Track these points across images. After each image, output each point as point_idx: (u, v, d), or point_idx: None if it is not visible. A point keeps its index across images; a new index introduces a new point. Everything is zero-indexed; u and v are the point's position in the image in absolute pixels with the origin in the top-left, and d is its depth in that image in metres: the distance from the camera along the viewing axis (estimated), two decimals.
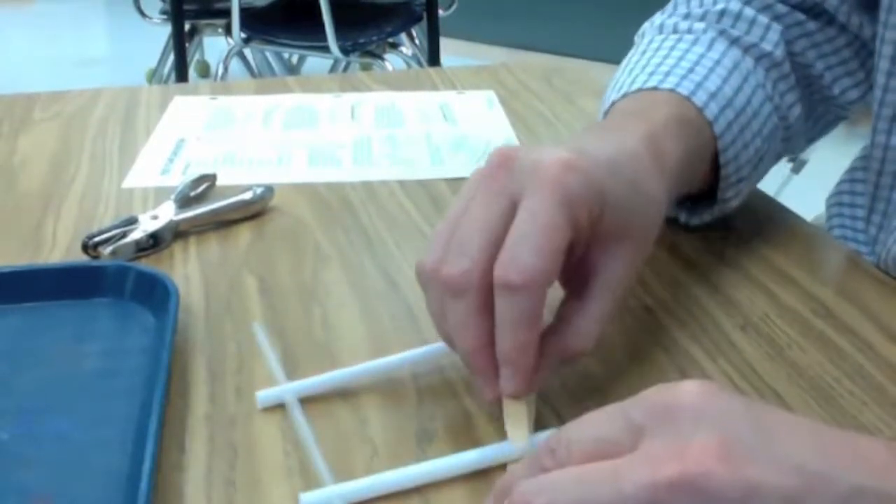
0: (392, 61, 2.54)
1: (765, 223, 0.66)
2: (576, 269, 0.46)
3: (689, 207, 0.63)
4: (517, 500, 0.33)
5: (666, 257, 0.61)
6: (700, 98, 0.57)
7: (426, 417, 0.46)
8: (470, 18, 3.31)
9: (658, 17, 0.68)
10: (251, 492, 0.42)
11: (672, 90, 0.57)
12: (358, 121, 0.86)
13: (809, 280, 0.58)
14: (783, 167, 2.33)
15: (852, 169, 0.73)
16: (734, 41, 0.63)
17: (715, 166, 0.59)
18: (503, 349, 0.42)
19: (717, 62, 0.60)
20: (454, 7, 2.90)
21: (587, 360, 0.50)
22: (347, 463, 0.43)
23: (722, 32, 0.63)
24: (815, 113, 0.69)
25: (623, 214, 0.46)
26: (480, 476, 0.42)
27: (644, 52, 0.63)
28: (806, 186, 1.93)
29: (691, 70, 0.59)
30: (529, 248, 0.41)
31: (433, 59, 2.51)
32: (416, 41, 2.77)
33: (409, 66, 2.65)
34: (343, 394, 0.48)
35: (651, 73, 0.59)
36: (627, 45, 0.69)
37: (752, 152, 0.60)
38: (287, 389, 0.47)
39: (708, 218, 0.63)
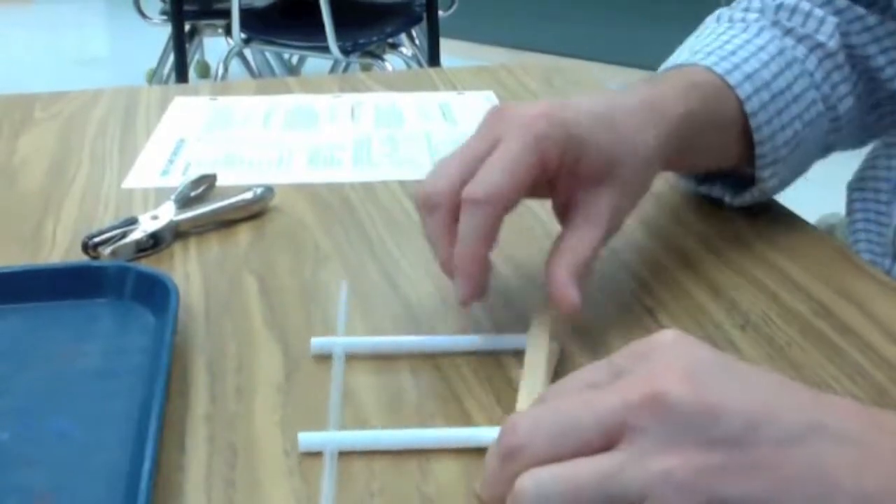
0: (392, 62, 2.54)
1: (765, 223, 0.66)
2: (567, 207, 0.52)
3: (731, 188, 0.66)
4: (505, 429, 0.37)
5: (666, 257, 0.61)
6: (734, 77, 0.60)
7: (426, 417, 0.46)
8: (470, 19, 3.31)
9: (721, 10, 0.70)
10: (251, 492, 0.42)
11: (708, 67, 0.61)
12: (358, 121, 0.86)
13: (809, 280, 0.58)
14: None
15: (875, 157, 0.73)
16: (788, 31, 0.65)
17: (751, 146, 0.62)
18: (458, 258, 0.48)
19: (761, 48, 0.63)
20: (454, 7, 2.90)
21: (587, 360, 0.50)
22: (347, 462, 0.43)
23: (776, 23, 0.66)
24: (879, 109, 0.69)
25: (603, 159, 0.51)
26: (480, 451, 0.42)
27: (697, 37, 0.66)
28: (806, 186, 1.93)
29: (732, 53, 0.62)
30: (493, 172, 0.48)
31: (433, 59, 2.51)
32: (416, 41, 2.77)
33: (409, 66, 2.65)
34: (343, 392, 0.48)
35: (695, 53, 0.63)
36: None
37: (789, 134, 0.62)
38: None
39: (749, 199, 0.65)
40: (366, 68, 2.60)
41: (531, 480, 0.34)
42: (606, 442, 0.34)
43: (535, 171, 0.49)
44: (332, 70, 2.85)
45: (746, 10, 0.68)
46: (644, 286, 0.58)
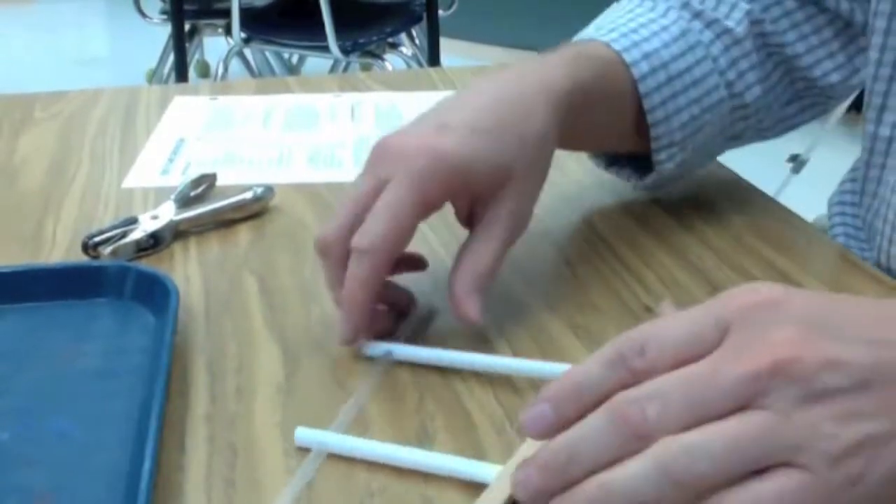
0: (392, 61, 2.54)
1: (764, 223, 0.66)
2: (467, 217, 0.54)
3: (638, 173, 0.66)
4: (629, 411, 0.35)
5: (666, 257, 0.61)
6: (632, 55, 0.60)
7: (426, 417, 0.46)
8: (470, 18, 3.31)
9: None
10: (251, 492, 0.42)
11: (606, 43, 0.60)
12: (358, 121, 0.86)
13: (809, 280, 0.58)
14: (783, 167, 2.33)
15: (854, 169, 0.73)
16: (697, 14, 0.64)
17: (646, 129, 0.61)
18: (344, 299, 0.50)
19: (665, 28, 0.62)
20: (454, 7, 2.90)
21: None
22: (348, 462, 0.43)
23: (685, 5, 0.64)
24: (799, 100, 0.68)
25: (491, 172, 0.52)
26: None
27: (605, 15, 0.65)
28: (806, 186, 1.93)
29: (634, 31, 0.61)
30: (375, 221, 0.49)
31: (433, 59, 2.51)
32: (416, 41, 2.76)
33: (409, 66, 2.65)
34: (343, 392, 0.48)
35: (597, 28, 0.62)
36: None
37: (685, 118, 0.62)
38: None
39: (650, 183, 0.65)
40: (366, 68, 2.60)
41: (678, 445, 0.34)
42: (735, 409, 0.35)
43: (419, 212, 0.50)
44: (332, 70, 2.85)
45: None
46: (644, 285, 0.58)
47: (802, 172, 2.33)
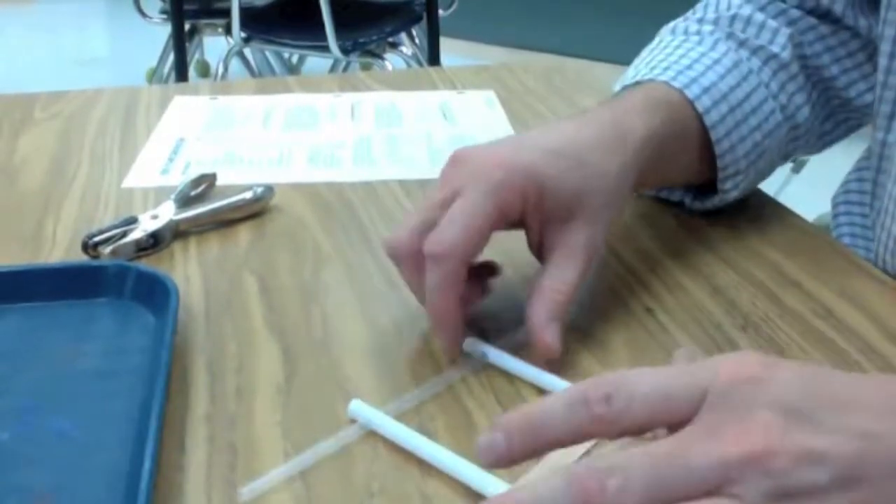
0: (392, 61, 2.54)
1: (765, 223, 0.66)
2: (541, 244, 0.53)
3: (694, 194, 0.66)
4: (588, 482, 0.33)
5: (666, 258, 0.61)
6: (692, 91, 0.61)
7: (426, 417, 0.46)
8: (470, 18, 3.31)
9: (676, 22, 0.70)
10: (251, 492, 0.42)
11: (666, 83, 0.61)
12: (358, 121, 0.86)
13: (810, 280, 0.58)
14: (783, 167, 2.33)
15: (859, 169, 0.73)
16: (742, 43, 0.66)
17: (712, 159, 0.62)
18: (430, 313, 0.49)
19: (717, 61, 0.63)
20: (454, 7, 2.90)
21: (587, 360, 0.51)
22: (348, 462, 0.43)
23: (730, 35, 0.66)
24: (834, 118, 0.70)
25: (569, 195, 0.51)
26: None
27: (651, 51, 0.67)
28: (806, 186, 1.93)
29: (689, 67, 0.62)
30: (451, 226, 0.49)
31: (433, 58, 2.51)
32: (416, 41, 2.76)
33: (409, 65, 2.65)
34: (343, 392, 0.48)
35: (652, 68, 0.63)
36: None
37: (749, 146, 0.63)
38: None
39: (710, 205, 0.65)
40: (366, 67, 2.60)
41: None
42: (702, 494, 0.32)
43: (494, 220, 0.49)
44: (332, 69, 2.85)
45: (701, 21, 0.68)
46: (644, 286, 0.58)
47: (802, 172, 2.33)
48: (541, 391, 0.48)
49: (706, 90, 0.61)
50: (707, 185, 0.65)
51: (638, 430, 0.35)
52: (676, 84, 0.61)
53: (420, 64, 2.63)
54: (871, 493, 0.32)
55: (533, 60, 2.86)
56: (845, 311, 0.55)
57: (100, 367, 0.50)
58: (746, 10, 0.67)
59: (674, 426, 0.34)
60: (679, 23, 0.69)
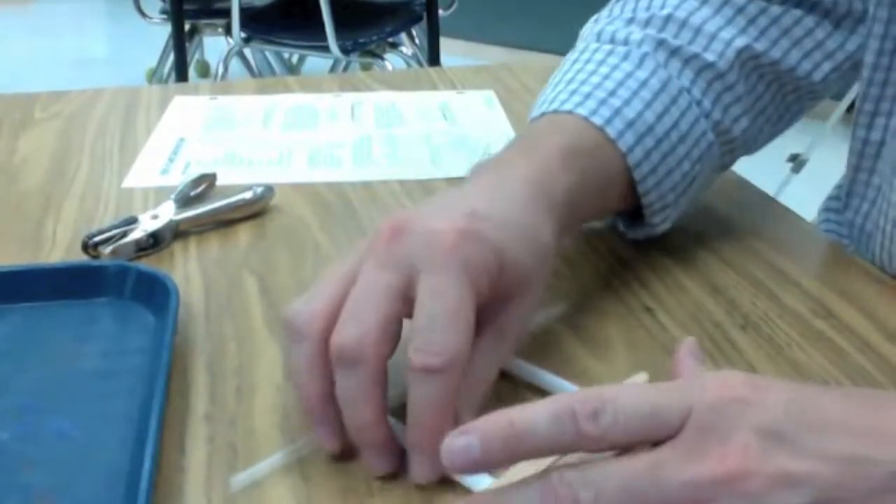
0: (392, 61, 2.54)
1: (765, 223, 0.66)
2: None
3: (626, 221, 0.62)
4: (561, 492, 0.33)
5: (666, 258, 0.61)
6: (615, 127, 0.56)
7: None
8: (470, 18, 3.31)
9: (602, 19, 0.65)
10: (251, 492, 0.42)
11: (586, 118, 0.56)
12: (358, 121, 0.86)
13: (809, 280, 0.58)
14: (783, 167, 2.33)
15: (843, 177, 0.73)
16: (673, 52, 0.60)
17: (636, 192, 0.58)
18: (418, 436, 0.41)
19: (643, 83, 0.58)
20: (454, 7, 2.90)
21: (588, 361, 0.51)
22: (348, 461, 0.43)
23: (660, 43, 0.60)
24: (791, 107, 0.66)
25: (519, 270, 0.45)
26: None
27: (574, 63, 0.61)
28: (806, 186, 1.93)
29: (612, 93, 0.57)
30: (443, 329, 0.40)
31: (433, 58, 2.51)
32: (416, 41, 2.77)
33: (409, 65, 2.65)
34: None
35: (572, 92, 0.58)
36: None
37: (677, 178, 0.58)
38: None
39: (641, 236, 0.61)
40: (366, 67, 2.60)
41: None
42: None
43: (475, 306, 0.42)
44: (332, 69, 2.85)
45: (630, 21, 0.62)
46: (644, 286, 0.58)
47: (802, 172, 2.33)
48: (542, 392, 0.48)
49: (630, 124, 0.56)
50: (637, 212, 0.60)
51: (622, 447, 0.35)
52: (598, 121, 0.55)
53: (420, 64, 2.63)
54: None
55: (533, 60, 2.86)
56: (845, 311, 0.55)
57: (100, 367, 0.50)
58: (682, 12, 0.61)
59: (658, 442, 0.34)
60: (605, 26, 0.63)
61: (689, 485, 0.32)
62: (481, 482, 0.40)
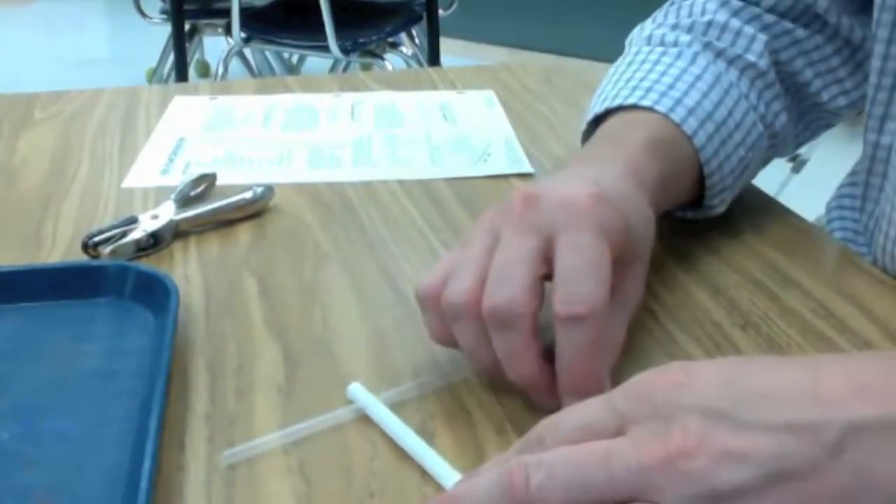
0: (392, 61, 2.54)
1: (765, 223, 0.66)
2: None
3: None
4: (515, 475, 0.34)
5: (666, 258, 0.61)
6: (678, 114, 0.59)
7: (426, 416, 0.46)
8: (470, 18, 3.31)
9: (648, 26, 0.69)
10: (251, 492, 0.42)
11: (651, 108, 0.59)
12: (358, 121, 0.86)
13: (809, 280, 0.58)
14: (783, 167, 2.33)
15: (854, 173, 0.73)
16: (719, 53, 0.64)
17: (700, 177, 0.61)
18: (571, 381, 0.44)
19: (699, 77, 0.62)
20: (454, 7, 2.90)
21: None
22: (348, 461, 0.43)
23: (707, 45, 0.65)
24: (805, 118, 0.70)
25: (638, 236, 0.49)
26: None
27: (630, 64, 0.65)
28: (806, 186, 1.93)
29: (671, 86, 0.61)
30: (587, 280, 0.44)
31: (433, 58, 2.52)
32: (416, 41, 2.77)
33: (409, 65, 2.65)
34: (343, 391, 0.48)
35: (634, 88, 0.61)
36: None
37: (735, 162, 0.62)
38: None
39: (691, 216, 0.65)
40: (366, 67, 2.60)
41: None
42: (621, 500, 0.33)
43: (611, 265, 0.45)
44: (332, 69, 2.85)
45: (675, 27, 0.67)
46: (645, 286, 0.58)
47: (802, 172, 2.33)
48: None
49: (691, 111, 0.60)
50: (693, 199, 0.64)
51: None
52: (661, 108, 0.59)
53: (420, 64, 2.63)
54: (805, 484, 0.31)
55: (533, 60, 2.87)
56: (845, 311, 0.55)
57: (100, 367, 0.50)
58: (722, 17, 0.65)
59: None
60: (653, 30, 0.67)
61: (634, 470, 0.32)
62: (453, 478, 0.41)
